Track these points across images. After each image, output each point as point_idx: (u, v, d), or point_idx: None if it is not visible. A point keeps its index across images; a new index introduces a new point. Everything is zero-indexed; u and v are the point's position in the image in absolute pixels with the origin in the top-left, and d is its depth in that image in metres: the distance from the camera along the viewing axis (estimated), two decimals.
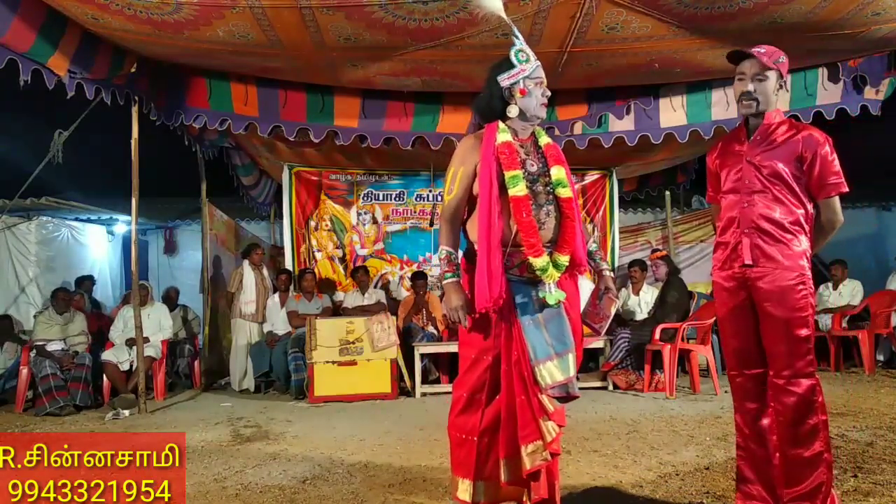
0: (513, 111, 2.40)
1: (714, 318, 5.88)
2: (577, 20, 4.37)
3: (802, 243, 2.39)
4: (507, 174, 2.32)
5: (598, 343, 6.10)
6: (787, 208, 2.39)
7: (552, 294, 2.30)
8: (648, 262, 6.98)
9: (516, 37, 2.44)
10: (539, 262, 2.29)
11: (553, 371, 2.25)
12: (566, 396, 2.30)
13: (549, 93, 2.44)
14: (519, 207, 2.30)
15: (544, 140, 2.50)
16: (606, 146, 6.24)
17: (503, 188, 2.32)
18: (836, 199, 2.43)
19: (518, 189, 2.31)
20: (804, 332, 2.34)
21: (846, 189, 2.39)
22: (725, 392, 5.52)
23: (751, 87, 2.42)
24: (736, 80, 2.49)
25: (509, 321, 2.34)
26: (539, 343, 2.28)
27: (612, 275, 2.64)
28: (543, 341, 2.28)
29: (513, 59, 2.39)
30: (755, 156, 2.44)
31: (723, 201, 2.55)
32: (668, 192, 8.56)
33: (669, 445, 3.75)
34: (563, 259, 2.37)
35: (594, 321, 2.61)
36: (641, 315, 6.57)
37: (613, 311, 2.66)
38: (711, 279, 2.64)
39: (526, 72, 2.38)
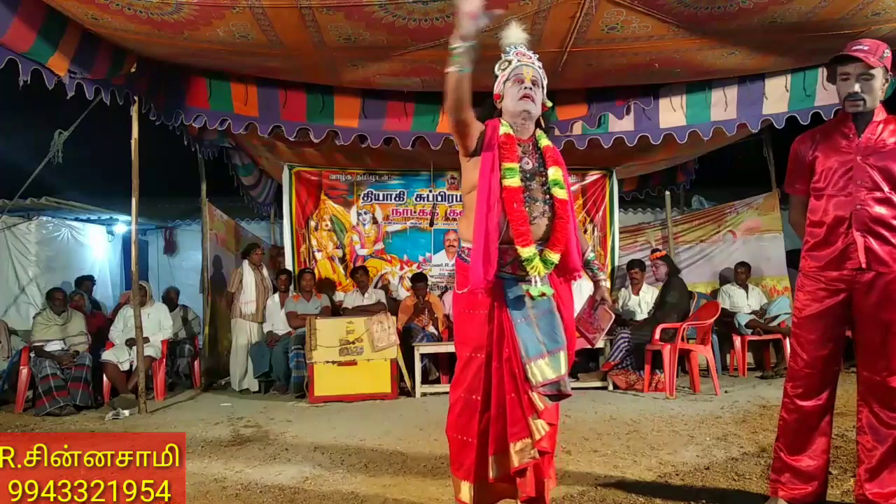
0: (498, 112, 2.48)
1: (714, 318, 5.89)
2: (577, 20, 4.38)
3: None
4: (504, 165, 2.33)
5: (597, 343, 6.09)
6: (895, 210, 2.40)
7: (537, 287, 2.28)
8: (648, 263, 6.98)
9: (506, 51, 2.49)
10: (526, 251, 2.29)
11: (544, 369, 2.26)
12: (557, 394, 2.30)
13: (530, 85, 2.40)
14: (511, 198, 2.31)
15: (545, 142, 2.51)
16: (606, 146, 6.23)
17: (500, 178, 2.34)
18: None
19: (513, 181, 2.33)
20: None
21: None
22: (726, 392, 5.53)
23: (857, 87, 2.42)
24: (839, 80, 2.48)
25: (501, 318, 2.34)
26: (531, 340, 2.28)
27: (608, 285, 2.65)
28: (535, 339, 2.29)
29: (496, 70, 2.47)
30: (868, 155, 2.42)
31: (821, 198, 2.49)
32: (668, 192, 8.54)
33: (669, 445, 3.75)
34: (553, 256, 2.36)
35: (587, 330, 2.61)
36: (641, 315, 6.58)
37: (608, 325, 2.66)
38: (805, 273, 2.55)
39: (504, 76, 2.44)
